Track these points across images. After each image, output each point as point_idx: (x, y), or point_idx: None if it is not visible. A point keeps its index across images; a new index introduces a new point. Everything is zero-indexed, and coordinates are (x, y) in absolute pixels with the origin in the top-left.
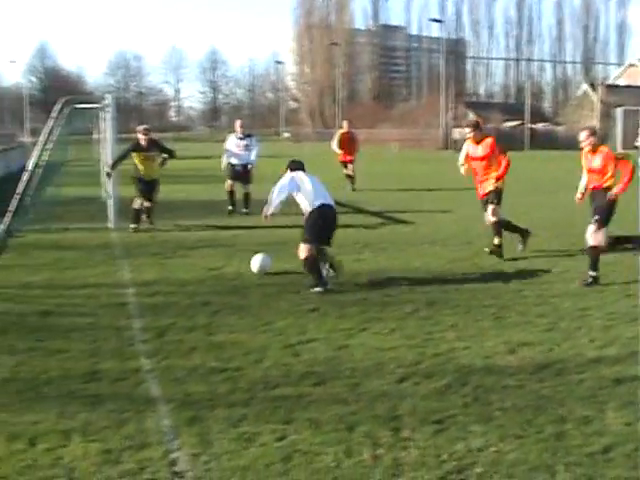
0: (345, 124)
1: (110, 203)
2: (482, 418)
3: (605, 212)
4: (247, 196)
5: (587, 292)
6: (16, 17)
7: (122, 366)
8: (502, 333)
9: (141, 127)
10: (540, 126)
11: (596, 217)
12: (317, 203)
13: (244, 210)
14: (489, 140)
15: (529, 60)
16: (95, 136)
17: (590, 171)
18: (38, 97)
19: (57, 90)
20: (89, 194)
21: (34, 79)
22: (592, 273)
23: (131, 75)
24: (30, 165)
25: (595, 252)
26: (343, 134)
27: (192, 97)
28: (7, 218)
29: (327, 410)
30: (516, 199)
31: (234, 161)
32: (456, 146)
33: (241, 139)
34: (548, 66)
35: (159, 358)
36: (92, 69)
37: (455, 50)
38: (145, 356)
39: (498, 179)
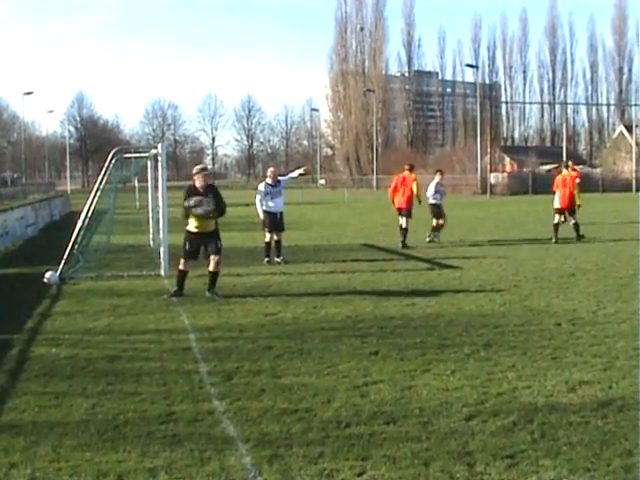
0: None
1: (162, 251)
2: (551, 453)
3: None
4: (279, 244)
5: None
6: (54, 67)
7: (196, 408)
8: (561, 373)
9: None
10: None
11: None
12: None
13: (278, 259)
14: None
15: (564, 104)
16: (136, 184)
17: None
18: (75, 146)
19: (94, 139)
20: (135, 242)
21: (71, 128)
22: None
23: (167, 124)
24: (84, 213)
25: None
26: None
27: (227, 145)
28: (61, 265)
29: (401, 447)
30: (561, 241)
31: (271, 209)
32: (493, 190)
33: (274, 187)
34: (583, 109)
35: (231, 400)
36: (129, 117)
37: (489, 95)
38: (217, 398)
39: None
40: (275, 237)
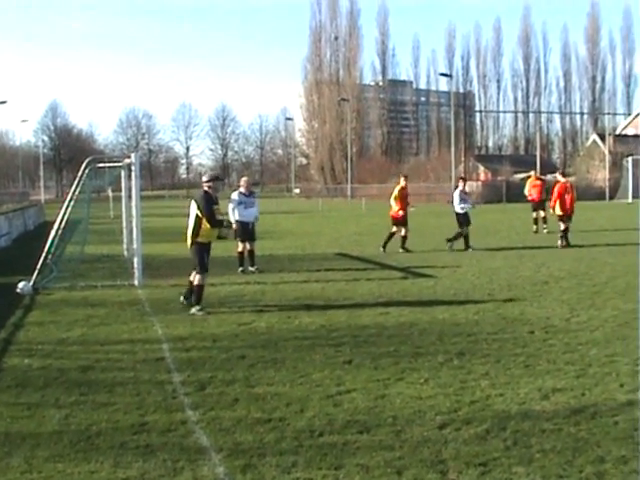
0: (403, 179)
1: (136, 261)
2: (524, 460)
3: None
4: (252, 253)
5: (612, 339)
6: (28, 77)
7: (169, 418)
8: (534, 380)
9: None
10: (550, 177)
11: None
12: None
13: (252, 268)
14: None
15: (537, 112)
16: (110, 194)
17: None
18: (49, 155)
19: (68, 148)
20: (109, 252)
21: (45, 138)
22: None
23: (141, 133)
24: (57, 223)
25: None
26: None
27: (202, 154)
28: (34, 275)
29: (374, 456)
30: (535, 250)
31: (245, 219)
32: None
33: (247, 196)
34: (556, 117)
35: (204, 410)
36: (103, 126)
37: (463, 104)
38: (190, 408)
39: None
40: (248, 247)
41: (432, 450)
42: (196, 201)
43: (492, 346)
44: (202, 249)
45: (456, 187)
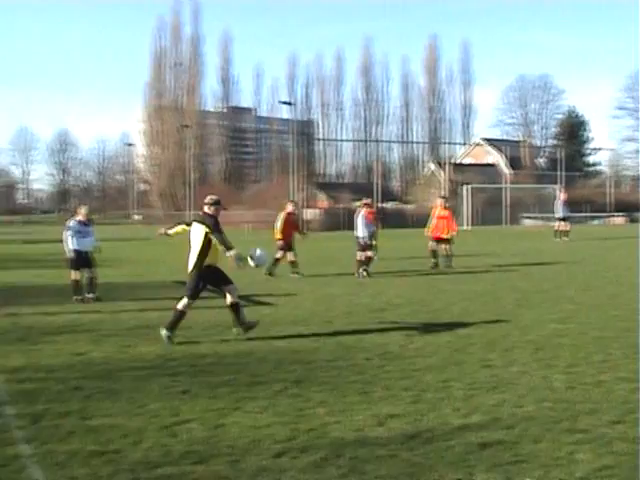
0: (290, 205)
1: None
2: None
3: None
4: (92, 281)
5: (447, 365)
6: None
7: (1, 453)
8: (370, 407)
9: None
10: (389, 205)
11: None
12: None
13: (91, 295)
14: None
15: (377, 141)
16: None
17: None
18: None
19: None
20: None
21: None
22: None
23: None
24: None
25: None
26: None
27: (41, 179)
28: None
29: None
30: (373, 278)
31: (81, 247)
32: (309, 226)
33: (86, 225)
34: (395, 146)
35: (38, 443)
36: None
37: (305, 132)
38: (23, 442)
39: None
40: (87, 274)
41: (269, 479)
42: (204, 222)
43: (329, 373)
44: (201, 276)
45: (359, 212)
